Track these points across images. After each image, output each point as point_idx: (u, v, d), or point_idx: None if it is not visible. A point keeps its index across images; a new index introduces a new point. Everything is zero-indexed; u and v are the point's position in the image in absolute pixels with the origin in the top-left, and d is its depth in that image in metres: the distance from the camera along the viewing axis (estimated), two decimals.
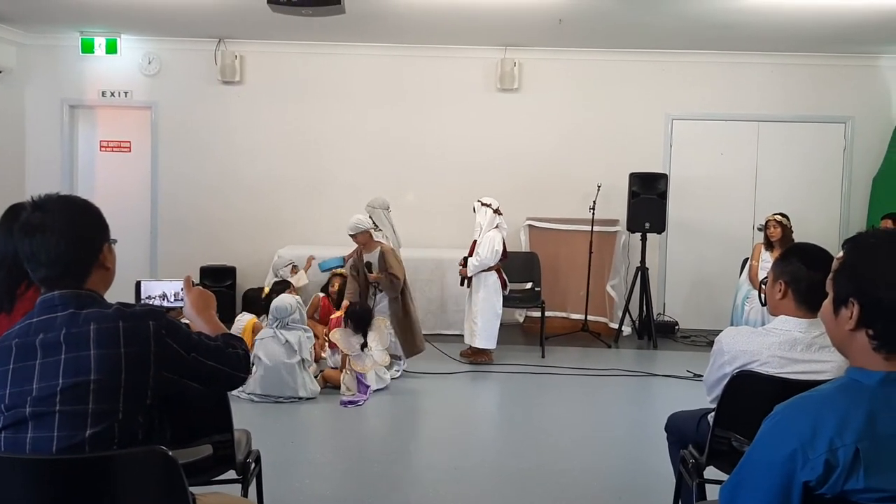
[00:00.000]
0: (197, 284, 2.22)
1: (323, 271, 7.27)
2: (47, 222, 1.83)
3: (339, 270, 7.17)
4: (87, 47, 8.30)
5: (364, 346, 5.79)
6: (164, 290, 2.49)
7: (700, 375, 6.21)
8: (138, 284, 2.47)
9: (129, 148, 8.86)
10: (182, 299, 2.21)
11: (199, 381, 1.94)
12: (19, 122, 8.62)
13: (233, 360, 2.02)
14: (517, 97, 8.58)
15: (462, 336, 7.00)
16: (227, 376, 2.01)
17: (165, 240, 8.78)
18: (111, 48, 8.35)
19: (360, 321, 5.85)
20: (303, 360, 5.55)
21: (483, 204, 6.77)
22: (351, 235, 6.26)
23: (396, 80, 8.61)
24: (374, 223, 6.55)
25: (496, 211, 6.73)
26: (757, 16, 6.85)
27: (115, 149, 8.87)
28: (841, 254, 1.63)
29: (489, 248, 6.60)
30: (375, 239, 6.37)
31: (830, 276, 1.61)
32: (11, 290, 2.28)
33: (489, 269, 6.72)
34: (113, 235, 1.98)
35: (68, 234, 1.84)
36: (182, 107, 8.68)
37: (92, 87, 8.68)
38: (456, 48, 8.48)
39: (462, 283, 6.94)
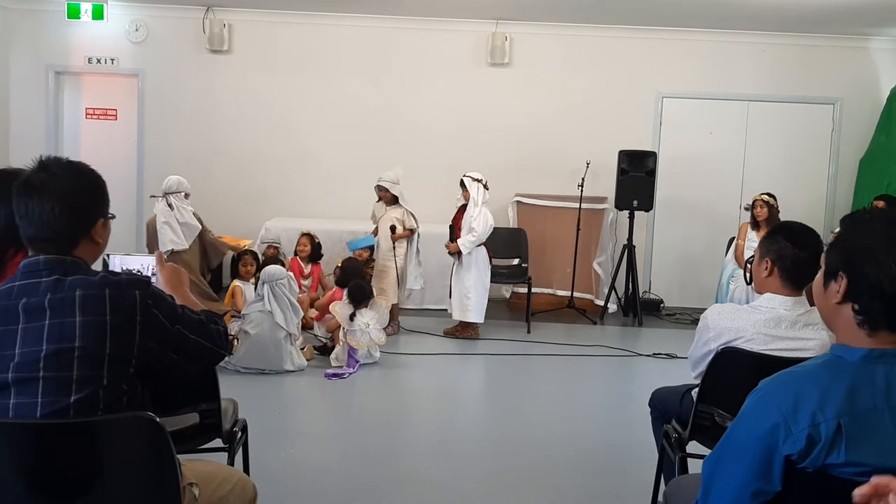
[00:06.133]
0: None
1: (352, 251, 7.00)
2: (48, 184, 1.81)
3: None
4: (74, 13, 8.16)
5: (353, 316, 5.76)
6: (129, 265, 2.41)
7: (663, 354, 6.42)
8: (105, 260, 2.41)
9: (116, 116, 8.77)
10: (155, 275, 2.17)
11: (181, 353, 1.91)
12: (3, 89, 8.50)
13: (215, 337, 2.01)
14: (507, 72, 8.53)
15: (444, 310, 6.97)
16: (209, 351, 1.99)
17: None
18: (98, 14, 8.21)
19: (359, 296, 5.82)
20: (289, 334, 5.54)
21: (474, 179, 6.73)
22: None
23: (386, 53, 8.54)
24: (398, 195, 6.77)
25: (485, 186, 6.72)
26: None
27: (101, 116, 8.77)
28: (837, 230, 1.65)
29: (485, 223, 6.58)
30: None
31: (825, 249, 1.63)
32: (0, 255, 2.25)
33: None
34: None
35: (65, 200, 1.82)
36: (169, 75, 8.57)
37: (78, 54, 8.55)
38: (447, 20, 8.40)
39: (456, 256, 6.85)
